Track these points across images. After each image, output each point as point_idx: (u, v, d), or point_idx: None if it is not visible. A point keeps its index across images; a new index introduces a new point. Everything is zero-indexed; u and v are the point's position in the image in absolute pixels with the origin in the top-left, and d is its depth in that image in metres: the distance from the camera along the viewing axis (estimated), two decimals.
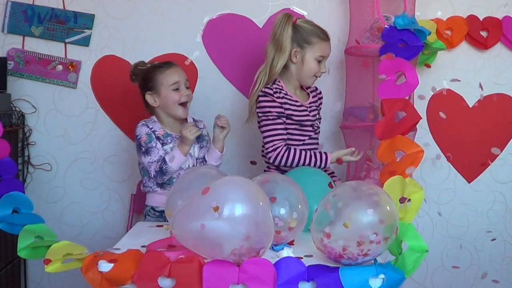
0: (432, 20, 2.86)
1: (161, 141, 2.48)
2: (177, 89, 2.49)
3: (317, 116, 2.61)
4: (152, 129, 2.49)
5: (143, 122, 2.51)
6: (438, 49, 2.77)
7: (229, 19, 2.94)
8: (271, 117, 2.46)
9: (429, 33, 2.63)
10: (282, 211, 1.88)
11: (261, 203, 1.68)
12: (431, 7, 2.94)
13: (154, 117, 2.55)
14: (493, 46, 2.98)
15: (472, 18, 2.94)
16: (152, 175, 2.43)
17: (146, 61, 2.86)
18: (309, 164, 2.44)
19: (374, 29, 2.66)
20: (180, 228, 1.68)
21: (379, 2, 2.63)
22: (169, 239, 1.96)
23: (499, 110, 3.03)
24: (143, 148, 2.45)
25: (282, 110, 2.47)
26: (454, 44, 2.93)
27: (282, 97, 2.48)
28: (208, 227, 1.61)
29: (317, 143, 2.62)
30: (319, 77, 2.57)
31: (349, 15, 2.83)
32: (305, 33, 2.49)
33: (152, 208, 2.52)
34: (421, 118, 2.33)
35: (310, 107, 2.58)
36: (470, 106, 3.03)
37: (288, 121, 2.49)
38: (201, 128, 2.53)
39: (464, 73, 3.00)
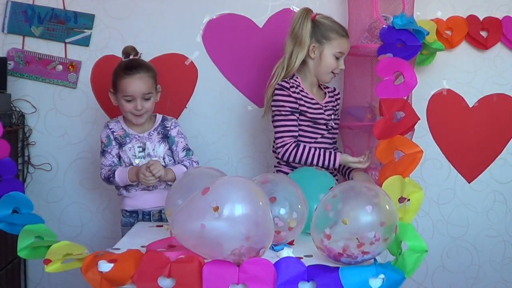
0: (432, 20, 2.86)
1: (118, 141, 2.50)
2: (129, 101, 2.43)
3: (332, 116, 2.59)
4: (112, 130, 2.51)
5: (106, 123, 2.54)
6: (436, 49, 2.77)
7: (229, 19, 2.94)
8: (284, 112, 2.46)
9: (427, 33, 2.63)
10: (282, 211, 1.88)
11: (261, 203, 1.68)
12: (431, 7, 2.94)
13: (120, 117, 2.56)
14: (493, 46, 2.98)
15: (472, 18, 2.94)
16: (102, 177, 2.48)
17: (147, 61, 2.86)
18: (317, 163, 2.43)
19: (373, 29, 2.67)
20: (180, 228, 1.68)
21: (377, 2, 2.63)
22: (169, 239, 1.97)
23: (499, 110, 3.03)
24: (101, 149, 2.51)
25: (297, 106, 2.47)
26: (454, 44, 2.93)
27: (298, 93, 2.48)
28: (208, 227, 1.61)
29: (331, 143, 2.60)
30: (337, 73, 2.57)
31: (348, 15, 2.82)
32: (324, 28, 2.49)
33: (124, 209, 2.57)
34: (419, 118, 2.33)
35: (325, 106, 2.57)
36: (470, 106, 3.03)
37: (302, 117, 2.49)
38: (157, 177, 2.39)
39: (464, 73, 3.00)
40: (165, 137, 2.53)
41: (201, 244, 1.64)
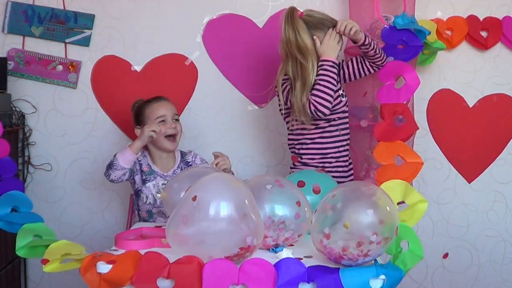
0: (432, 20, 2.86)
1: (144, 177, 2.53)
2: (162, 121, 2.51)
3: None
4: (140, 162, 2.54)
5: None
6: (438, 49, 2.77)
7: (229, 19, 2.94)
8: None
9: (429, 33, 2.63)
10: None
11: (246, 201, 1.71)
12: (431, 7, 2.94)
13: (145, 152, 2.58)
14: (493, 46, 2.98)
15: (472, 18, 2.93)
16: (105, 167, 2.44)
17: (146, 61, 2.87)
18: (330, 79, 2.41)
19: (374, 29, 2.66)
20: (171, 233, 1.72)
21: (378, 2, 2.63)
22: (140, 229, 2.06)
23: (499, 110, 3.03)
24: None
25: None
26: (454, 44, 2.93)
27: None
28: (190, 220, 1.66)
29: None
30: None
31: (349, 15, 2.82)
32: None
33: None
34: (418, 128, 2.34)
35: None
36: (470, 106, 3.02)
37: None
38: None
39: (464, 73, 3.00)
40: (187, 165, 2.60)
41: (196, 250, 1.66)
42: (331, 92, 2.40)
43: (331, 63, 2.41)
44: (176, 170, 2.56)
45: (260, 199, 1.84)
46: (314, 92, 2.39)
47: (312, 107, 2.38)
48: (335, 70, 2.42)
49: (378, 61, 2.50)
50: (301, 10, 2.47)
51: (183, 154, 2.63)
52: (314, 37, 2.45)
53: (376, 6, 2.65)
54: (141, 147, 2.41)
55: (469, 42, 2.98)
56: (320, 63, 2.42)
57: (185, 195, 1.73)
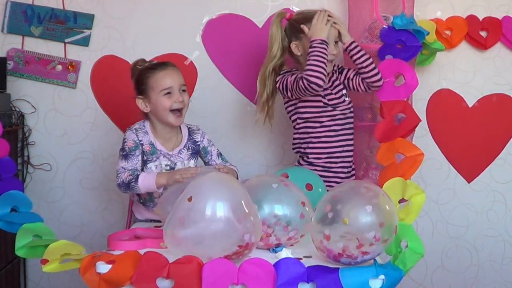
0: (431, 20, 2.86)
1: (145, 157, 2.33)
2: (168, 94, 2.29)
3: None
4: (141, 142, 2.33)
5: (133, 130, 2.35)
6: (437, 49, 2.77)
7: (229, 19, 2.94)
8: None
9: (428, 34, 2.63)
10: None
11: (242, 199, 1.71)
12: (431, 7, 2.94)
13: (146, 125, 2.37)
14: (493, 46, 2.98)
15: (471, 18, 2.93)
16: (119, 182, 2.24)
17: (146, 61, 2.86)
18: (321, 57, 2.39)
19: (373, 29, 2.67)
20: (169, 235, 1.72)
21: (377, 2, 2.63)
22: (134, 229, 2.05)
23: (498, 110, 3.03)
24: (124, 152, 2.29)
25: None
26: (453, 44, 2.93)
27: None
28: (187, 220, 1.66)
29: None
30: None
31: (348, 15, 2.82)
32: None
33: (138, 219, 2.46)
34: (420, 120, 2.33)
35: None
36: (470, 106, 3.02)
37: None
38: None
39: (464, 73, 3.00)
40: (196, 152, 2.43)
41: (194, 251, 1.66)
42: (323, 65, 2.37)
43: (319, 41, 2.41)
44: (182, 150, 2.38)
45: (265, 197, 1.84)
46: (306, 68, 2.39)
47: (305, 82, 2.36)
48: (325, 46, 2.41)
49: (366, 74, 2.49)
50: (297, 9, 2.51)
51: (191, 132, 2.44)
52: (302, 25, 2.48)
53: (375, 6, 2.65)
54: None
55: (468, 42, 2.98)
56: (309, 43, 2.43)
57: (181, 197, 1.72)
